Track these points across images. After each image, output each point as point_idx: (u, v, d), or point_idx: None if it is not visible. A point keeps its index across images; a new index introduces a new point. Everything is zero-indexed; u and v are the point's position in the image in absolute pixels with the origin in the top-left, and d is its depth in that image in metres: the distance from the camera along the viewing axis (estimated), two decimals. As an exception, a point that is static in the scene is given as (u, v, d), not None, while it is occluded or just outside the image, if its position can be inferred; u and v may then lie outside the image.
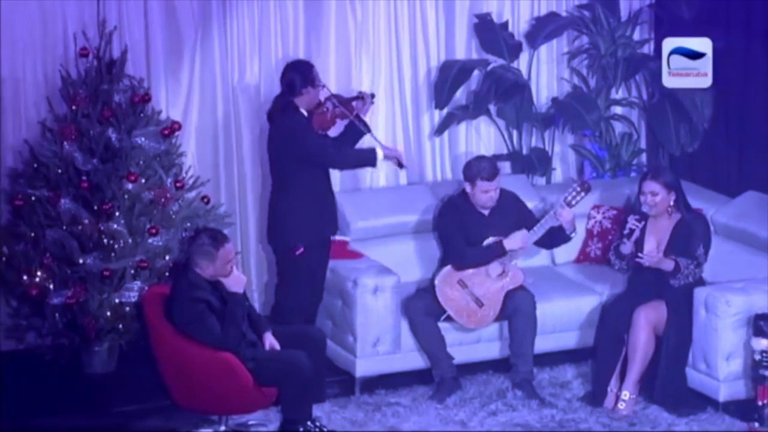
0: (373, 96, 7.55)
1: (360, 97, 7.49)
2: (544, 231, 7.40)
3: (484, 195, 7.40)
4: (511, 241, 7.38)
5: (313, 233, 7.30)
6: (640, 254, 7.14)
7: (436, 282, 7.43)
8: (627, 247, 7.27)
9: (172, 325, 6.61)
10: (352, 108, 7.41)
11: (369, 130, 7.46)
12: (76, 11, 7.74)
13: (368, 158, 7.31)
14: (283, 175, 7.31)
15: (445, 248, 7.60)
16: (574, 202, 7.41)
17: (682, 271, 7.14)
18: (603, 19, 8.61)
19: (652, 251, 7.20)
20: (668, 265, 7.15)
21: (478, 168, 7.40)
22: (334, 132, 7.44)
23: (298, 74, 7.25)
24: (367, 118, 7.47)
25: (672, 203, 7.28)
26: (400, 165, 7.43)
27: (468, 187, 7.44)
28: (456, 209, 7.53)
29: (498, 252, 7.39)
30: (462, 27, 8.58)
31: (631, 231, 7.22)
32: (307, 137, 7.19)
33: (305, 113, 7.27)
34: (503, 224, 7.46)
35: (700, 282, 7.28)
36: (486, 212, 7.49)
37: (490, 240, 7.40)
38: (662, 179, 7.25)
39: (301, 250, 7.27)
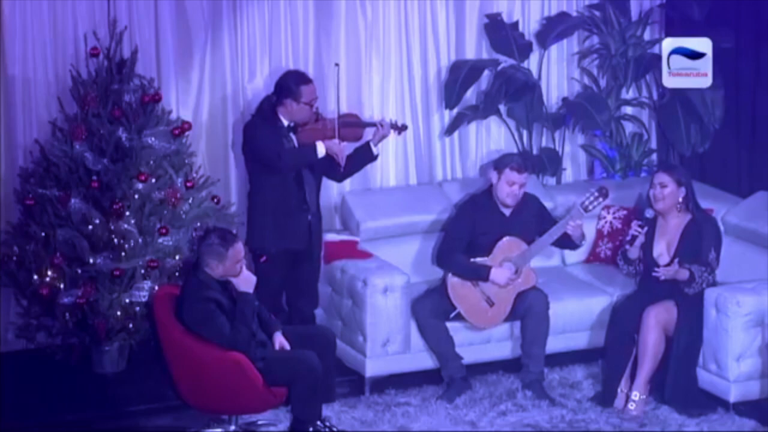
0: (401, 128, 7.48)
1: (373, 124, 7.45)
2: (550, 242, 7.39)
3: (508, 187, 7.39)
4: (496, 274, 7.36)
5: (270, 243, 7.28)
6: (656, 269, 7.15)
7: (449, 279, 7.42)
8: (634, 252, 7.29)
9: (182, 324, 6.62)
10: (359, 134, 7.37)
11: (373, 159, 7.43)
12: (86, 11, 7.76)
13: (309, 153, 7.21)
14: (250, 178, 7.36)
15: (441, 242, 7.61)
16: (591, 207, 7.40)
17: (696, 280, 7.14)
18: (613, 19, 8.59)
19: (664, 255, 7.20)
20: (683, 275, 7.15)
21: (510, 158, 7.46)
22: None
23: (287, 84, 7.22)
24: (377, 148, 7.43)
25: (681, 200, 7.27)
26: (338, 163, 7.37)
27: (495, 177, 7.43)
28: (475, 209, 7.53)
29: (482, 276, 7.37)
30: (472, 27, 8.58)
31: (634, 237, 7.24)
32: (259, 139, 7.17)
33: (285, 122, 7.25)
34: (523, 226, 7.46)
35: (711, 283, 7.27)
36: (507, 212, 7.48)
37: (496, 252, 7.42)
38: (674, 174, 7.26)
39: (264, 258, 7.28)
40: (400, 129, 7.51)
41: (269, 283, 7.27)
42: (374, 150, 7.41)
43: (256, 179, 7.31)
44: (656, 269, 7.14)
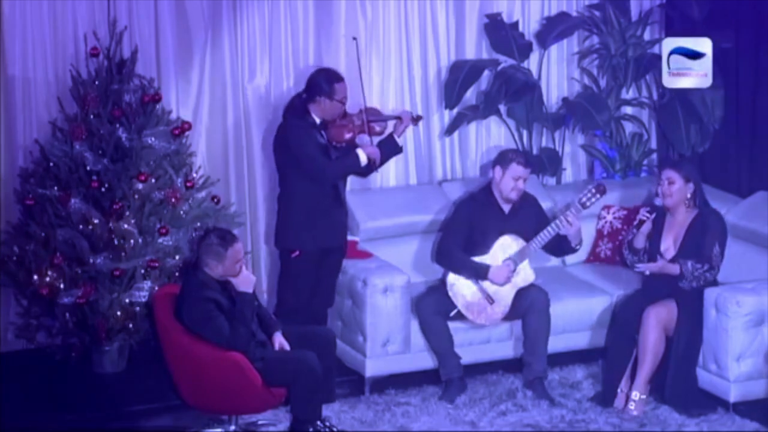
0: (416, 119, 7.55)
1: (393, 117, 7.45)
2: (548, 238, 7.39)
3: (513, 182, 7.40)
4: (495, 273, 7.36)
5: (307, 241, 7.27)
6: (637, 264, 7.17)
7: (449, 277, 7.42)
8: (640, 242, 7.28)
9: (182, 324, 6.62)
10: (383, 128, 7.38)
11: (399, 151, 7.45)
12: (86, 11, 7.76)
13: (353, 164, 7.27)
14: (282, 177, 7.34)
15: (440, 239, 7.62)
16: (588, 204, 7.41)
17: (686, 276, 7.14)
18: (613, 19, 8.59)
19: (670, 249, 7.21)
20: (674, 269, 7.15)
21: (514, 153, 7.51)
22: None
23: (320, 81, 7.22)
24: (401, 139, 7.46)
25: (689, 195, 7.27)
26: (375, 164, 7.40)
27: (498, 172, 7.43)
28: (474, 205, 7.53)
29: (480, 274, 7.37)
30: (472, 27, 8.58)
31: (641, 222, 7.23)
32: (302, 146, 7.16)
33: (317, 120, 7.26)
34: (521, 224, 7.46)
35: (712, 282, 7.27)
36: (506, 209, 7.49)
37: (497, 248, 7.42)
38: (682, 170, 7.26)
39: (297, 253, 7.27)
40: (416, 120, 7.56)
41: (298, 281, 7.27)
42: (399, 141, 7.43)
43: (290, 179, 7.28)
44: (637, 265, 7.16)
